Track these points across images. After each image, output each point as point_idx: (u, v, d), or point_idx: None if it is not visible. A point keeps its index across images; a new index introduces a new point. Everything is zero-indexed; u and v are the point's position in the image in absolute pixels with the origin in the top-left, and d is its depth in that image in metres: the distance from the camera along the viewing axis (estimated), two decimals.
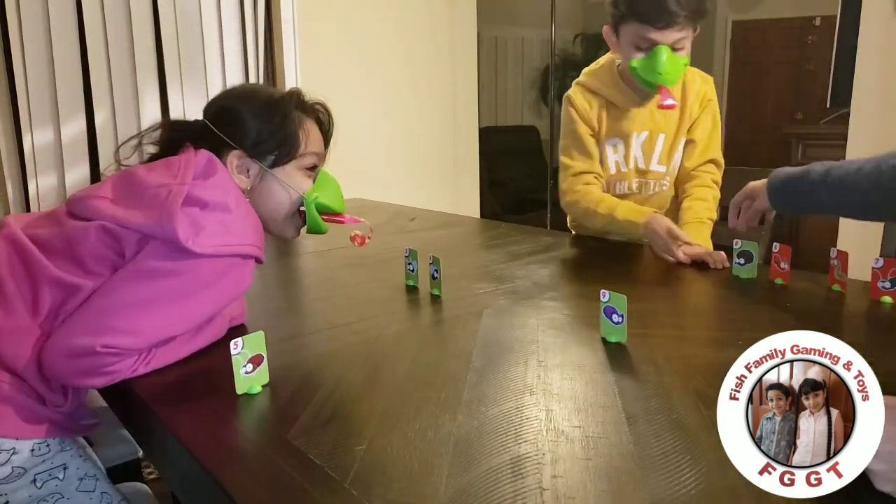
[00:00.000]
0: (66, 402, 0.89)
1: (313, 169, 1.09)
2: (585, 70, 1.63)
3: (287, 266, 1.50)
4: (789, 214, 1.30)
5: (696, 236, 1.44)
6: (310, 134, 1.06)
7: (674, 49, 1.40)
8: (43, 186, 2.39)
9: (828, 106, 3.07)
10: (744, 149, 5.55)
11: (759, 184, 1.26)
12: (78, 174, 2.44)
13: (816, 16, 4.99)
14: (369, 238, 1.15)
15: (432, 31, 3.30)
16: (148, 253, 0.86)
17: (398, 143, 3.25)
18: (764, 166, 2.04)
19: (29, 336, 0.85)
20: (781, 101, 5.35)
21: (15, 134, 2.38)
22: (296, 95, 1.08)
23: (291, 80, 2.82)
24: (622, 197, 1.59)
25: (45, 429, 0.86)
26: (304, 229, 1.10)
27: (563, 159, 1.62)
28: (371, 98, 3.11)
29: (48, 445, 0.87)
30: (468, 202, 3.57)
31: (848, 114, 2.49)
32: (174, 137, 1.04)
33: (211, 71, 2.67)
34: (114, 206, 0.90)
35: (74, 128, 2.44)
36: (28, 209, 2.39)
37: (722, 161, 1.58)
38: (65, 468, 0.88)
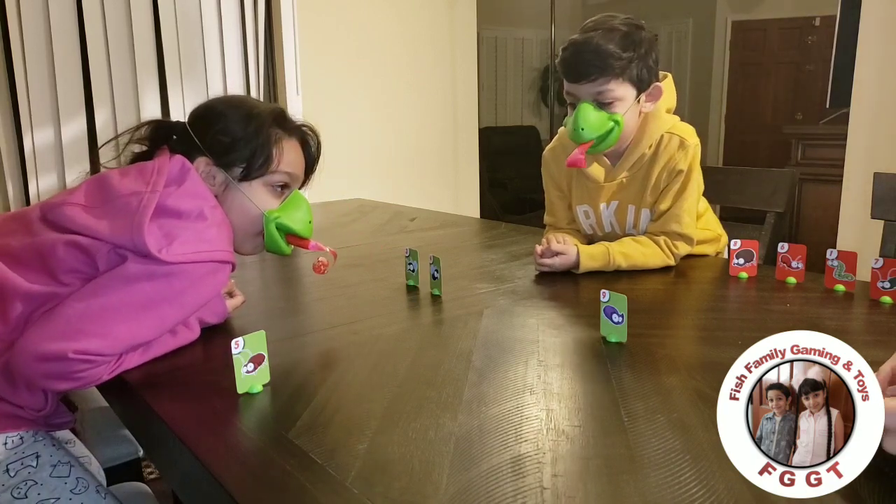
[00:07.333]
0: (46, 406, 0.89)
1: (284, 188, 1.05)
2: (561, 129, 1.53)
3: (287, 266, 1.50)
4: None
5: (626, 242, 1.37)
6: (286, 153, 1.03)
7: (600, 104, 1.31)
8: (43, 186, 2.40)
9: (828, 106, 3.08)
10: (744, 149, 5.56)
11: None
12: (78, 174, 2.44)
13: (816, 16, 5.00)
14: (329, 266, 1.14)
15: (432, 31, 3.30)
16: (126, 262, 0.85)
17: (398, 143, 3.25)
18: (764, 166, 2.04)
19: None
20: (781, 101, 5.36)
21: (15, 134, 2.38)
22: (275, 112, 1.04)
23: (292, 80, 2.82)
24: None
25: (17, 425, 0.87)
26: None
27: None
28: (371, 98, 3.11)
29: (21, 438, 0.88)
30: (468, 202, 3.57)
31: (848, 114, 2.49)
32: (158, 136, 1.03)
33: (211, 71, 2.67)
34: (86, 213, 0.89)
35: (74, 128, 2.44)
36: None
37: (689, 235, 1.38)
38: (37, 456, 0.89)
